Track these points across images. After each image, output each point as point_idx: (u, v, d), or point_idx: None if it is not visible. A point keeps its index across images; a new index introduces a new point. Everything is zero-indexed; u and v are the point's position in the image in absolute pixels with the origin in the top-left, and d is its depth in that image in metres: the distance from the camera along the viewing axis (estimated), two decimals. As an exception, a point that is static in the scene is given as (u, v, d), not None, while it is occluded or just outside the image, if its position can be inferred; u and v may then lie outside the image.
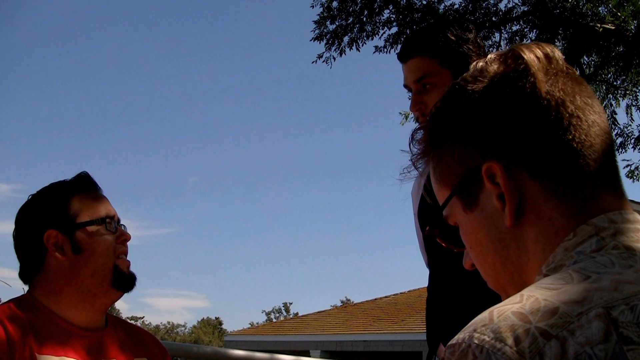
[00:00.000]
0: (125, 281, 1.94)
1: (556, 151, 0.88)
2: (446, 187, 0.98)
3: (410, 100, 2.21)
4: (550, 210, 0.88)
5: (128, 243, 1.99)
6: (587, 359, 0.69)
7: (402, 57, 2.22)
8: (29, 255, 1.91)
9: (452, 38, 2.17)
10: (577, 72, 0.97)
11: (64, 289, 1.86)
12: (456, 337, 0.76)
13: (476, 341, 0.73)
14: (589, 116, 0.90)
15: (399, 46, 8.21)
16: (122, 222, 2.02)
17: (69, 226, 1.89)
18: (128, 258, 1.99)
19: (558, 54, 0.95)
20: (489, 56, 0.97)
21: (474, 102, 0.93)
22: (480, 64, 0.96)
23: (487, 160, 0.90)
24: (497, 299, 0.86)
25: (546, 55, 0.94)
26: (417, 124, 2.23)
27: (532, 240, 0.89)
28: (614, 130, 8.95)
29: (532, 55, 0.93)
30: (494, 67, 0.95)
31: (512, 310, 0.75)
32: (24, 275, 1.93)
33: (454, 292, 2.18)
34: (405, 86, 2.24)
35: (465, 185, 0.94)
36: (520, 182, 0.89)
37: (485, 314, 0.77)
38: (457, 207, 0.97)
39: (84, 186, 1.99)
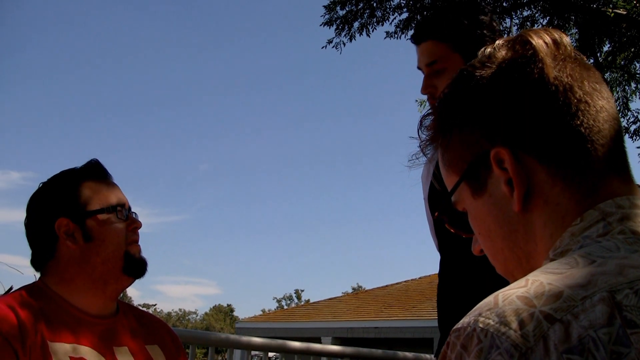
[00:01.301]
0: (136, 267, 1.94)
1: (564, 136, 0.88)
2: (454, 173, 0.98)
3: (422, 82, 2.24)
4: (558, 195, 0.88)
5: (139, 230, 2.00)
6: (591, 342, 0.69)
7: (415, 40, 2.25)
8: (40, 243, 1.92)
9: (465, 22, 2.18)
10: (586, 59, 0.97)
11: (75, 276, 1.87)
12: (461, 321, 0.77)
13: (481, 325, 0.74)
14: (597, 102, 0.91)
15: (411, 30, 8.22)
16: (133, 210, 2.02)
17: (79, 214, 1.90)
18: (140, 244, 1.98)
19: (566, 39, 0.95)
20: (497, 42, 0.98)
21: (482, 88, 0.94)
22: (489, 50, 0.97)
23: (495, 146, 0.91)
24: (506, 284, 0.86)
25: (554, 41, 0.94)
26: (429, 104, 2.27)
27: (539, 226, 0.90)
28: (627, 116, 8.89)
29: (540, 41, 0.93)
30: (502, 53, 0.95)
31: (516, 294, 0.75)
32: (35, 263, 1.94)
33: (465, 278, 2.18)
34: (418, 68, 2.26)
35: (473, 170, 0.95)
36: (528, 167, 0.89)
37: (490, 298, 0.77)
38: (466, 193, 0.97)
39: (94, 173, 1.99)
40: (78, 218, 1.89)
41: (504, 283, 0.92)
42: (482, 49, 0.98)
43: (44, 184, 1.98)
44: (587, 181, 0.88)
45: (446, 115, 0.98)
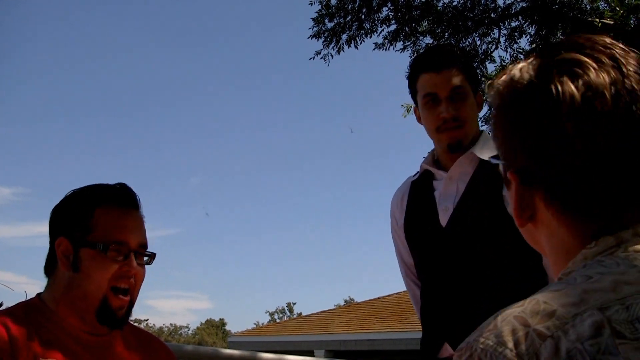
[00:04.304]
0: (108, 319, 1.82)
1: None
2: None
3: (442, 106, 2.30)
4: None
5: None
6: (578, 353, 0.75)
7: (439, 66, 2.31)
8: (48, 254, 1.88)
9: (470, 60, 2.41)
10: None
11: (62, 298, 1.83)
12: (465, 341, 0.84)
13: (481, 345, 0.81)
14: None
15: (399, 42, 8.26)
16: (150, 251, 1.90)
17: (79, 240, 1.82)
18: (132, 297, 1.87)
19: None
20: None
21: None
22: None
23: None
24: (487, 302, 0.90)
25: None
26: (440, 129, 2.32)
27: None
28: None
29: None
30: None
31: (514, 314, 0.82)
32: (45, 272, 1.90)
33: (449, 300, 2.26)
34: (428, 94, 2.32)
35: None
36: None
37: (491, 319, 0.85)
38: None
39: (115, 199, 1.88)
40: (76, 243, 1.82)
41: (489, 303, 0.95)
42: None
43: (68, 195, 1.91)
44: (601, 213, 0.91)
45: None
